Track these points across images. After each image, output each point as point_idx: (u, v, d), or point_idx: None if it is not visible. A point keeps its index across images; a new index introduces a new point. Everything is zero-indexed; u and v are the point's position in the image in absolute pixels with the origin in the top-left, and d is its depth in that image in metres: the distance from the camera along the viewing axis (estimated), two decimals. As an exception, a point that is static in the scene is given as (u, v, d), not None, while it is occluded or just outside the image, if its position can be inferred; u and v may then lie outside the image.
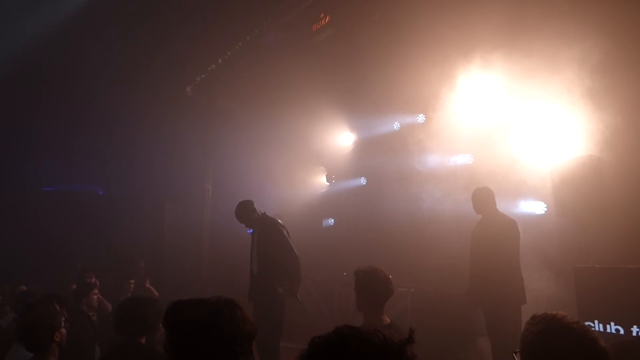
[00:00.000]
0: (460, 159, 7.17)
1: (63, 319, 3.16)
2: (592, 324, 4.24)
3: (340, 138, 9.78)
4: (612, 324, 4.16)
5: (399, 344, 0.94)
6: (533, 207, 5.93)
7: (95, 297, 4.96)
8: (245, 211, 5.26)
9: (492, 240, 4.68)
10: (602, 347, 1.63)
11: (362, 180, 9.38)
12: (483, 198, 4.93)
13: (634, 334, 4.00)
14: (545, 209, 5.84)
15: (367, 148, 9.25)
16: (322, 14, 7.37)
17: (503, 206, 5.13)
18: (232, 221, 5.56)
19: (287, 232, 5.26)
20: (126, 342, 3.05)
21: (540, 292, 4.69)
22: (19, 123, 10.56)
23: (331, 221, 9.96)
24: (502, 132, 6.14)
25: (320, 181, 10.33)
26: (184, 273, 9.77)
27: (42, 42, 8.81)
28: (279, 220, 5.32)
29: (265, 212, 5.40)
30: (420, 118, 7.97)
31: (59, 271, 8.56)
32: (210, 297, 1.64)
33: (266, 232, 5.18)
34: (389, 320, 2.95)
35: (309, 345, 0.96)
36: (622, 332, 4.08)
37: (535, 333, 1.73)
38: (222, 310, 1.56)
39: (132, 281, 6.48)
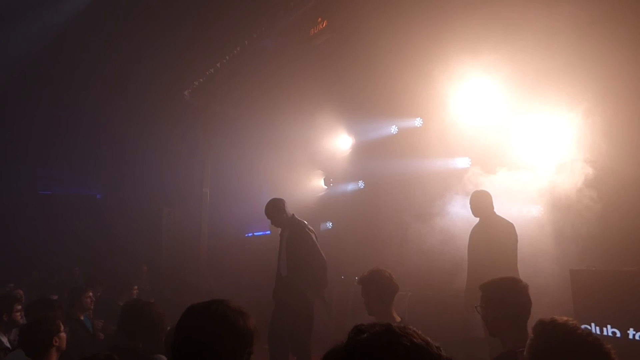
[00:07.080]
0: (458, 163, 7.20)
1: (61, 323, 3.15)
2: (589, 327, 4.26)
3: (338, 141, 9.79)
4: (609, 326, 4.18)
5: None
6: (529, 210, 5.94)
7: (89, 299, 4.92)
8: (277, 210, 5.19)
9: (490, 243, 4.70)
10: (608, 349, 1.65)
11: (360, 184, 9.40)
12: (481, 201, 4.95)
13: (630, 336, 4.02)
14: (541, 212, 5.86)
15: (365, 151, 9.27)
16: (320, 19, 7.40)
17: (500, 209, 5.14)
18: (229, 225, 5.54)
19: (315, 236, 5.23)
20: (122, 345, 3.03)
21: (537, 295, 4.69)
22: (16, 127, 10.55)
23: (329, 224, 9.96)
24: (499, 136, 6.18)
25: (318, 185, 10.34)
26: (181, 277, 9.76)
27: (44, 45, 8.81)
28: (307, 223, 5.26)
29: (294, 214, 5.33)
30: (418, 122, 8.00)
31: (56, 275, 8.54)
32: (214, 301, 1.64)
33: (297, 236, 5.13)
34: (399, 318, 3.00)
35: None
36: (618, 334, 4.10)
37: (536, 340, 1.75)
38: (237, 317, 1.58)
39: (136, 287, 6.45)
